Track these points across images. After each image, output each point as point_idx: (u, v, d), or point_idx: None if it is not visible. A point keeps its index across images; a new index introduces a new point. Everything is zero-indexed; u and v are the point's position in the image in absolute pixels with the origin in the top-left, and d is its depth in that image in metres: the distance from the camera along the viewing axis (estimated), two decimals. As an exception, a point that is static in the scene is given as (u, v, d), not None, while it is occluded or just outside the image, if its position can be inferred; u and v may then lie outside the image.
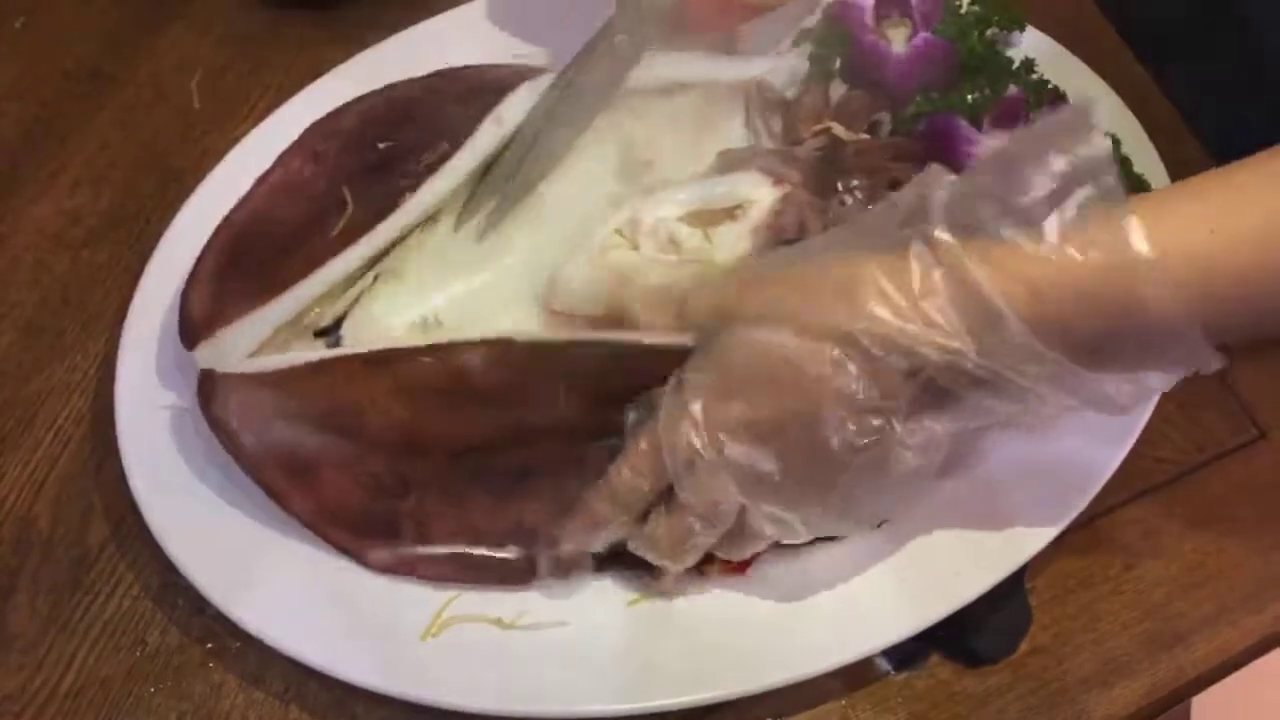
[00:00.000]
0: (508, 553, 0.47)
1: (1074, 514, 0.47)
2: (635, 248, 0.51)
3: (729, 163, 0.54)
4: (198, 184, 0.56)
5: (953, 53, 0.56)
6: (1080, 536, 0.50)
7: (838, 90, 0.57)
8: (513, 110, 0.55)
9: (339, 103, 0.56)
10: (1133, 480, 0.51)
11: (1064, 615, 0.49)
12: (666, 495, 0.44)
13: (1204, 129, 0.59)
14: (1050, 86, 0.56)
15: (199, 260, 0.51)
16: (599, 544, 0.46)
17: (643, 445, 0.44)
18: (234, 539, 0.48)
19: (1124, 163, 0.54)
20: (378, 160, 0.53)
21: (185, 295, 0.50)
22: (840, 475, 0.42)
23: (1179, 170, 0.53)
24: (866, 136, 0.54)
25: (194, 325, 0.50)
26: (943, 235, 0.40)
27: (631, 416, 0.46)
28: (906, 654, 0.48)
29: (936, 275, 0.40)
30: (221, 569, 0.48)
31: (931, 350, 0.40)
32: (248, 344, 0.50)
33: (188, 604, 0.49)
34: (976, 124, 0.54)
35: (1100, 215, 0.39)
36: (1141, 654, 0.49)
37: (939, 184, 0.42)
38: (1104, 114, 0.54)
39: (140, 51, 0.66)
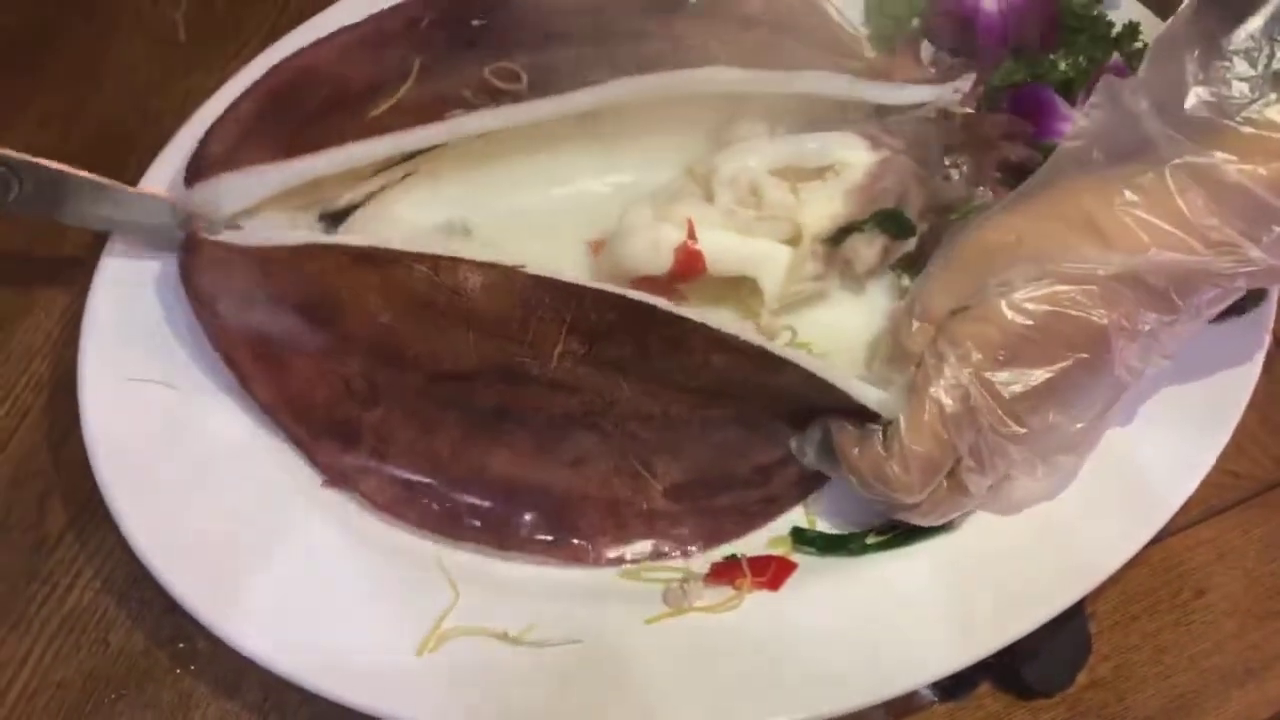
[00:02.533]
0: (461, 496, 0.45)
1: (1142, 543, 0.44)
2: (709, 199, 0.48)
3: (821, 119, 0.51)
4: (180, 128, 0.53)
5: (1052, 11, 0.52)
6: (1146, 557, 0.47)
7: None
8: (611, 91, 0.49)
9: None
10: (1206, 497, 0.48)
11: (1126, 645, 0.47)
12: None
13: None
14: None
15: (236, 101, 0.50)
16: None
17: (930, 422, 0.43)
18: (209, 530, 0.45)
19: None
20: (465, 40, 0.51)
21: (210, 132, 0.49)
22: (1118, 399, 0.44)
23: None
24: (970, 109, 0.51)
25: (202, 164, 0.48)
26: (1187, 148, 0.41)
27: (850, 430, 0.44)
28: (953, 682, 0.45)
29: (1198, 194, 0.41)
30: (193, 565, 0.44)
31: (1222, 262, 0.41)
32: (244, 199, 0.48)
33: (156, 600, 0.46)
34: (1070, 97, 0.50)
35: None
36: (1211, 690, 0.46)
37: (1134, 89, 0.43)
38: None
39: (121, -26, 0.63)
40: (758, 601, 0.44)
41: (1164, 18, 0.53)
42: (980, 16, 0.52)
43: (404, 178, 0.50)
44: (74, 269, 0.53)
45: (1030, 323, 0.42)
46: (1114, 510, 0.44)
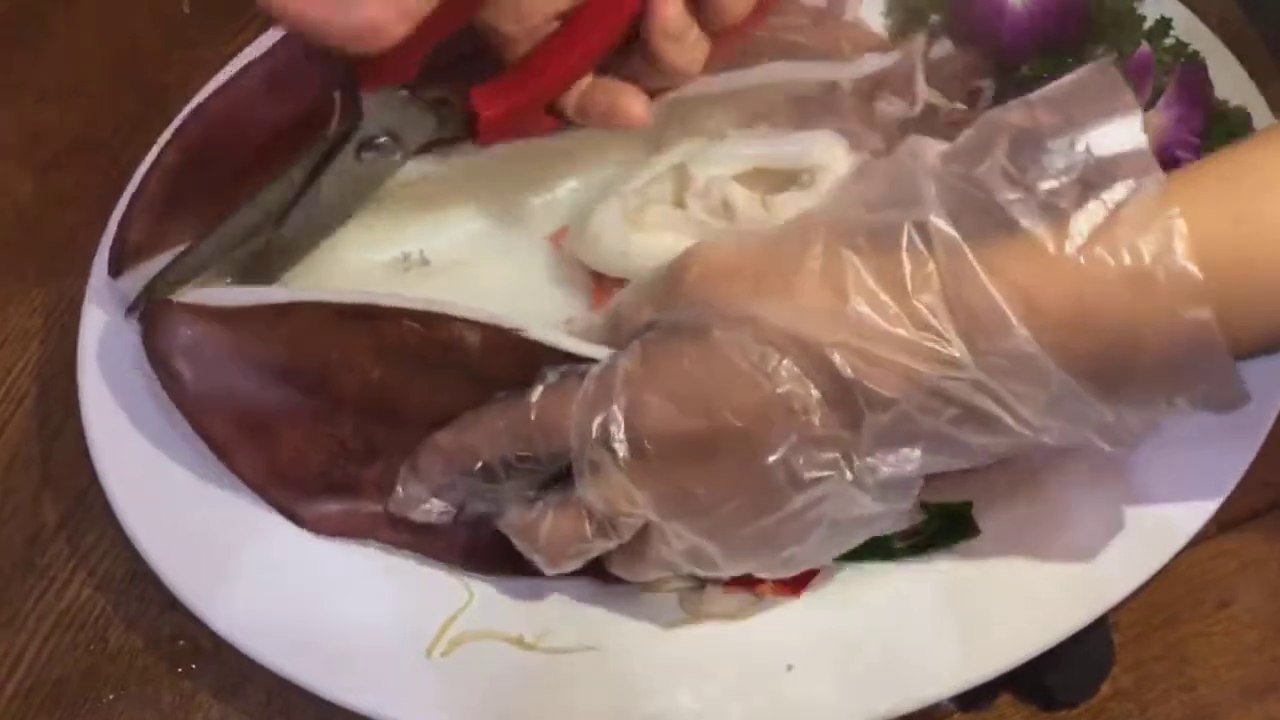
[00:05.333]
0: (477, 534, 0.43)
1: (1169, 556, 0.43)
2: (681, 205, 0.46)
3: (801, 116, 0.49)
4: (185, 105, 0.51)
5: (1082, 6, 0.51)
6: (1169, 566, 0.45)
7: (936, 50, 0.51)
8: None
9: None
10: (1234, 504, 0.46)
11: (1149, 655, 0.46)
12: (557, 483, 0.40)
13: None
14: (1191, 51, 0.50)
15: (149, 170, 0.47)
16: (436, 494, 0.42)
17: (544, 407, 0.39)
18: (213, 525, 0.44)
19: None
20: None
21: (124, 216, 0.46)
22: (776, 510, 0.37)
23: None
24: (963, 106, 0.49)
25: (125, 250, 0.45)
26: (939, 223, 0.34)
27: (549, 377, 0.40)
28: (973, 692, 0.44)
29: (932, 270, 0.34)
30: (195, 560, 0.43)
31: (921, 362, 0.34)
32: (181, 279, 0.45)
33: (157, 596, 0.45)
34: None
35: (1138, 213, 0.34)
36: (1232, 703, 0.45)
37: (932, 155, 0.36)
38: (1227, 86, 0.50)
39: (119, -61, 0.61)
40: (776, 606, 0.42)
41: (1199, 13, 0.52)
42: (1007, 14, 0.50)
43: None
44: (74, 250, 0.51)
45: (698, 362, 0.36)
46: (1136, 525, 0.43)
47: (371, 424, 0.43)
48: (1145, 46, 0.49)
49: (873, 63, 0.49)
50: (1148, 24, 0.51)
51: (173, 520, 0.44)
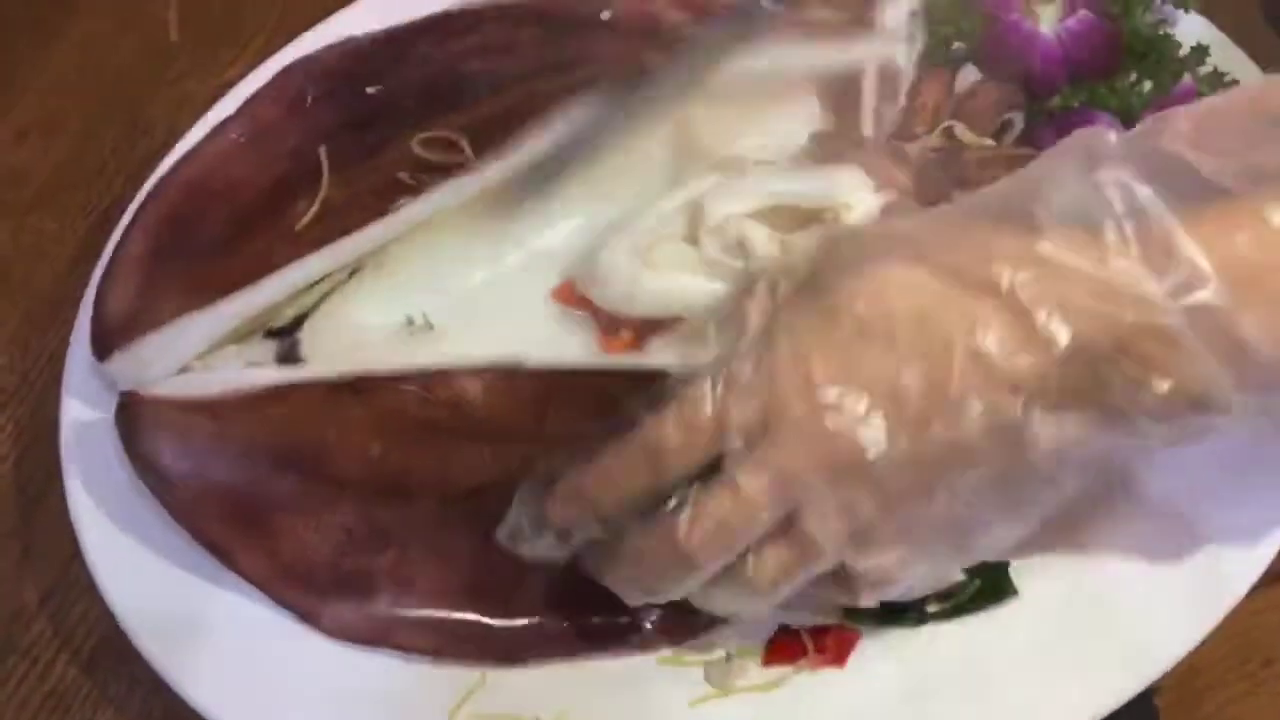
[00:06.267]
0: (512, 618, 0.41)
1: (1220, 616, 0.41)
2: (694, 243, 0.45)
3: (824, 152, 0.47)
4: (174, 139, 0.50)
5: (1115, 35, 0.49)
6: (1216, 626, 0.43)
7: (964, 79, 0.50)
8: (571, 120, 0.47)
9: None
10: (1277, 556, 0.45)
11: (1196, 719, 0.44)
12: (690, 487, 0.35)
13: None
14: (1228, 79, 0.49)
15: (124, 237, 0.45)
16: (577, 534, 0.37)
17: (699, 398, 0.34)
18: (205, 606, 0.42)
19: None
20: (365, 113, 0.48)
21: (101, 289, 0.44)
22: (957, 468, 0.34)
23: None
24: (991, 142, 0.48)
25: (110, 329, 0.43)
26: (1133, 182, 0.33)
27: (643, 409, 0.36)
28: None
29: (1127, 227, 0.32)
30: (185, 643, 0.41)
31: (1117, 308, 0.32)
32: (177, 358, 0.43)
33: (146, 676, 0.42)
34: (1130, 124, 0.47)
35: None
36: None
37: (1107, 139, 0.35)
38: None
39: (103, -33, 0.60)
40: (812, 679, 0.40)
41: (1236, 39, 0.51)
42: (1039, 44, 0.49)
43: (351, 275, 0.46)
44: (55, 301, 0.50)
45: (871, 307, 0.34)
46: (1182, 589, 0.41)
47: (376, 506, 0.42)
48: (1188, 79, 0.47)
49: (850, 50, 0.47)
50: (1183, 51, 0.50)
51: (161, 598, 0.42)
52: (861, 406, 0.33)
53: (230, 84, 0.51)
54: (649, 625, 0.41)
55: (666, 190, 0.46)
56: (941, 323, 0.33)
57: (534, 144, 0.46)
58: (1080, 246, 0.33)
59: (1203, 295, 0.32)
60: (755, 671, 0.41)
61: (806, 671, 0.41)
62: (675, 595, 0.37)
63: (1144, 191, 0.33)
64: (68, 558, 0.45)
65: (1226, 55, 0.50)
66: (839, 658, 0.41)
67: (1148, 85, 0.49)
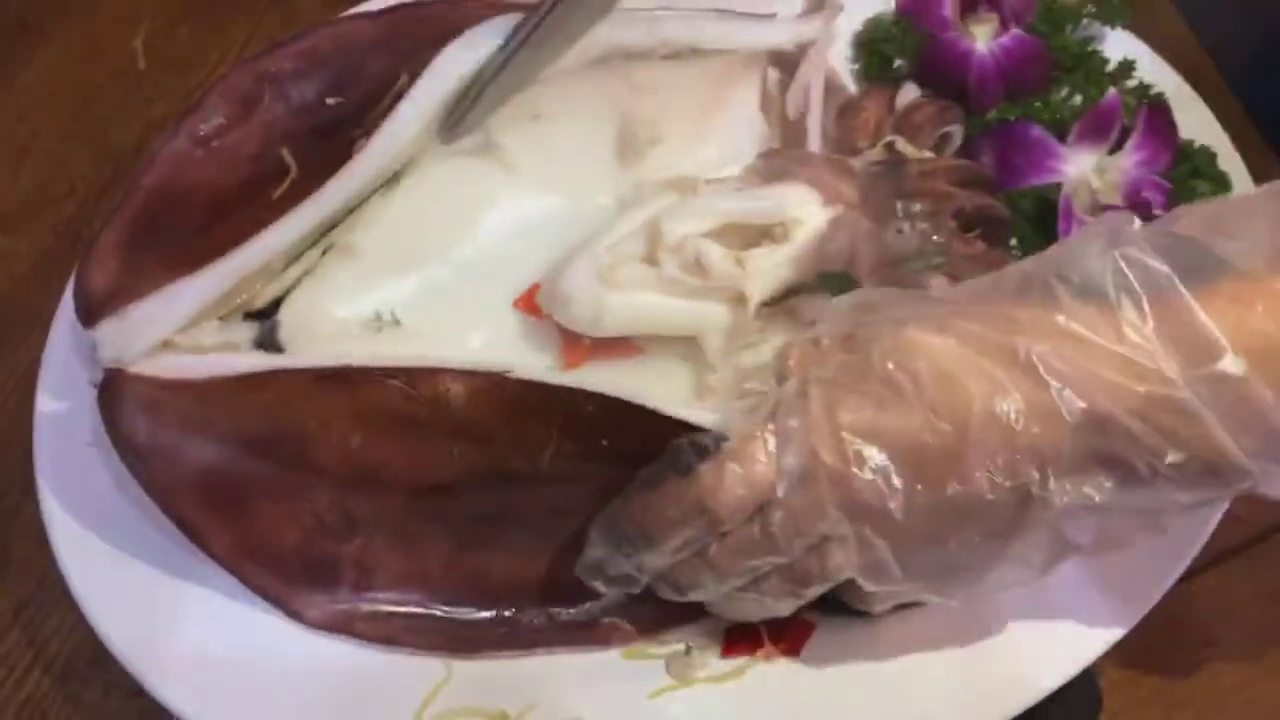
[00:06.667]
0: (465, 610, 0.42)
1: (1150, 605, 0.43)
2: (654, 263, 0.45)
3: (772, 169, 0.48)
4: (140, 163, 0.49)
5: (1046, 51, 0.51)
6: (1151, 609, 0.44)
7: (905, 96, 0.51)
8: (481, 38, 0.47)
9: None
10: (1209, 542, 0.45)
11: (1136, 699, 0.46)
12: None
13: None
14: (1155, 93, 0.51)
15: (98, 235, 0.45)
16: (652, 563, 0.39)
17: (753, 449, 0.37)
18: (178, 610, 0.42)
19: (1221, 180, 0.50)
20: (326, 121, 0.48)
21: (83, 267, 0.43)
22: (969, 522, 0.36)
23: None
24: (931, 154, 0.49)
25: (95, 298, 0.43)
26: (1149, 259, 0.34)
27: (687, 457, 0.38)
28: None
29: (1140, 296, 0.34)
30: (160, 644, 0.41)
31: (1129, 377, 0.34)
32: (164, 326, 0.43)
33: (121, 682, 0.43)
34: (1060, 135, 0.49)
35: None
36: None
37: (1129, 225, 0.37)
38: (1192, 124, 0.50)
39: (74, 0, 0.60)
40: (769, 668, 0.42)
41: (1164, 53, 0.53)
42: (975, 61, 0.51)
43: (322, 256, 0.46)
44: (27, 319, 0.50)
45: (900, 364, 0.35)
46: (1118, 573, 0.42)
47: (350, 495, 0.42)
48: (1113, 92, 0.49)
49: (781, 31, 0.49)
50: (1111, 66, 0.52)
51: (136, 606, 0.42)
52: (883, 459, 0.35)
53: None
54: (610, 620, 0.42)
55: (611, 179, 0.47)
56: (964, 387, 0.35)
57: (461, 66, 0.46)
58: (1098, 320, 0.34)
59: (1220, 366, 0.33)
60: (715, 663, 0.42)
61: (763, 662, 0.42)
62: (701, 598, 0.40)
63: (1160, 268, 0.34)
64: (43, 569, 0.45)
65: (1154, 69, 0.52)
66: (794, 648, 0.42)
67: (1078, 99, 0.51)
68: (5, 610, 0.46)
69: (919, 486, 0.35)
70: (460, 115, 0.46)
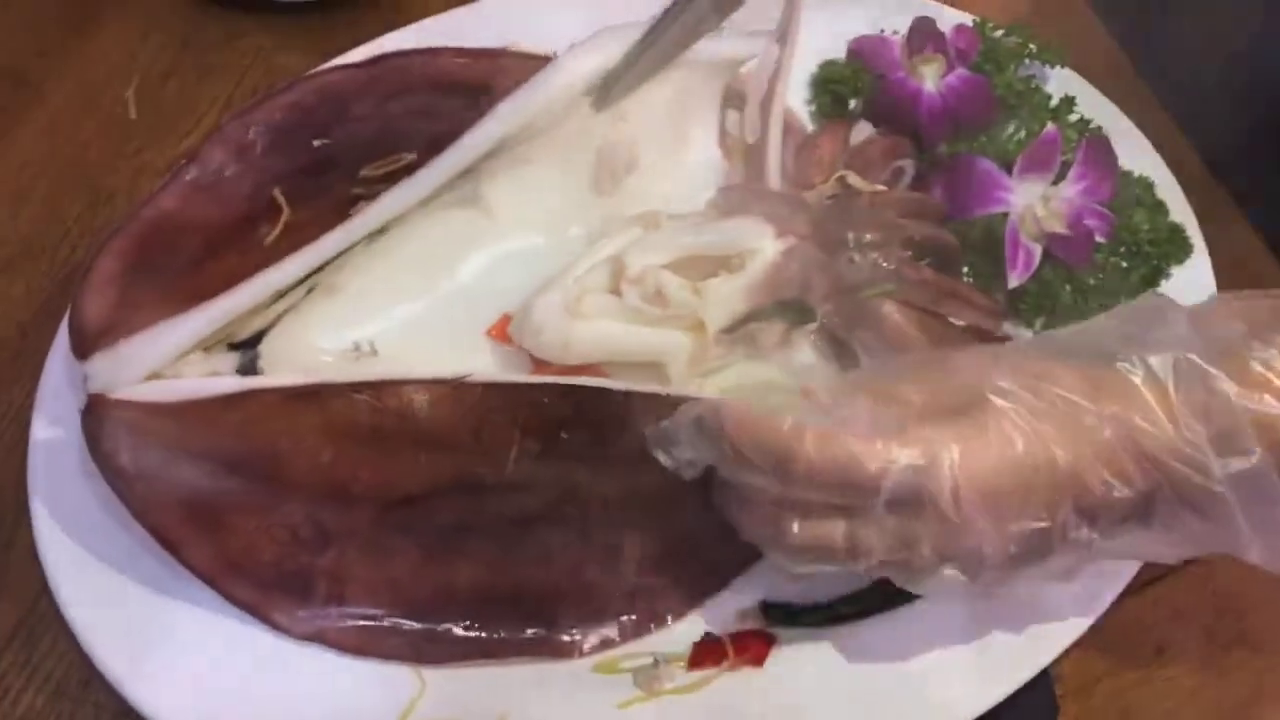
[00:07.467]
0: (431, 619, 0.44)
1: (1105, 605, 0.45)
2: (618, 293, 0.47)
3: (730, 203, 0.51)
4: (131, 209, 0.51)
5: (990, 89, 0.53)
6: (1106, 618, 0.46)
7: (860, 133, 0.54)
8: (516, 106, 0.50)
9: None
10: None
11: (1092, 708, 0.46)
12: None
13: (1233, 177, 0.57)
14: (1094, 127, 0.53)
15: (96, 261, 0.47)
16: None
17: (870, 442, 0.39)
18: (167, 633, 0.43)
19: (1159, 208, 0.52)
20: (312, 161, 0.50)
21: (78, 299, 0.45)
22: (1034, 567, 0.41)
23: (1209, 220, 0.53)
24: (883, 188, 0.51)
25: (89, 332, 0.44)
26: (1195, 359, 0.40)
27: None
28: None
29: (1196, 396, 0.40)
30: (148, 664, 0.42)
31: (1176, 459, 0.40)
32: (154, 362, 0.44)
33: (111, 703, 0.44)
34: (1007, 167, 0.51)
35: None
36: None
37: (1176, 309, 0.42)
38: (1131, 155, 0.53)
39: (69, 54, 0.61)
40: (733, 679, 0.43)
41: (1107, 89, 0.55)
42: (924, 99, 0.53)
43: (307, 294, 0.48)
44: (22, 358, 0.51)
45: (1014, 435, 0.39)
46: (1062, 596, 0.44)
47: (322, 509, 0.43)
48: (1051, 126, 0.51)
49: (739, 45, 0.51)
50: (1053, 102, 0.54)
51: (127, 630, 0.43)
52: (986, 523, 0.39)
53: (184, 155, 0.53)
54: (573, 637, 0.44)
55: (584, 210, 0.49)
56: (1044, 455, 0.39)
57: (470, 149, 0.48)
58: (1159, 408, 0.40)
59: (1254, 460, 0.39)
60: (681, 675, 0.43)
61: (728, 673, 0.43)
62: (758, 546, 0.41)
63: (1217, 377, 0.39)
64: (36, 593, 0.46)
65: (1094, 105, 0.54)
66: (758, 659, 0.43)
67: (1023, 133, 0.53)
68: (2, 633, 0.46)
69: (1002, 543, 0.39)
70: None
